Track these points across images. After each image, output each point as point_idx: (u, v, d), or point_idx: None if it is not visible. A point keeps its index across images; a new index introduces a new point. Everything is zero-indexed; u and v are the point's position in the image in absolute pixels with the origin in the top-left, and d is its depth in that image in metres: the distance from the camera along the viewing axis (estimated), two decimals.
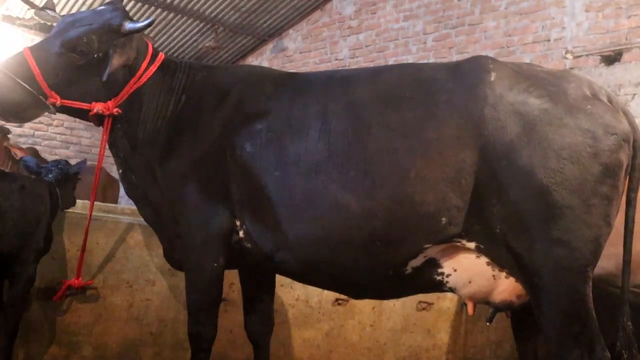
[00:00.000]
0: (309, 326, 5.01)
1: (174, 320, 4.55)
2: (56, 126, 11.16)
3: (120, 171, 3.76)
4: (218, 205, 3.44)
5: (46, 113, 3.55)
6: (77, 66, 3.47)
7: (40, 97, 3.34)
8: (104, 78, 3.40)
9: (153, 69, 3.62)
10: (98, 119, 3.59)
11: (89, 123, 3.73)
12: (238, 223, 3.45)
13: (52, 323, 4.23)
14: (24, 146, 8.25)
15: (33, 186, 3.87)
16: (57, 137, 11.25)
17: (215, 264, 3.48)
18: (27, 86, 3.29)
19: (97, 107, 3.48)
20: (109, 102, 3.51)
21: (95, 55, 3.46)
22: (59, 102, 3.43)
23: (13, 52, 3.53)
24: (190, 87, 3.64)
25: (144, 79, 3.59)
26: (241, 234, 3.47)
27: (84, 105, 3.50)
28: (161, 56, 3.71)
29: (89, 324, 4.33)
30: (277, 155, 3.29)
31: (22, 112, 3.45)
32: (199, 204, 3.46)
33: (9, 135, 7.35)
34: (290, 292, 4.89)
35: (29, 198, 3.76)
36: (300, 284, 4.79)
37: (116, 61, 3.45)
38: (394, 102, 3.20)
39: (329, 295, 4.98)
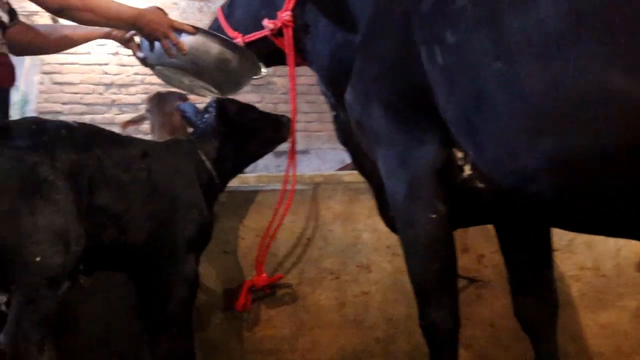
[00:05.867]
0: (607, 305, 3.84)
1: (406, 317, 3.63)
2: None
3: (334, 113, 3.28)
4: (418, 130, 2.77)
5: None
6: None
7: (248, 51, 3.10)
8: None
9: None
10: (277, 54, 3.20)
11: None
12: (460, 154, 2.68)
13: (240, 340, 3.48)
14: None
15: (169, 152, 2.98)
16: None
17: (433, 215, 2.71)
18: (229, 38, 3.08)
19: (269, 24, 3.12)
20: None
21: None
22: (241, 39, 3.19)
23: None
24: None
25: None
26: (467, 169, 2.69)
27: (261, 33, 3.19)
28: None
29: (290, 337, 3.55)
30: (495, 38, 2.51)
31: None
32: (393, 132, 2.82)
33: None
34: (569, 258, 3.75)
35: (162, 169, 2.86)
36: (584, 245, 3.81)
37: None
38: None
39: (631, 254, 3.80)
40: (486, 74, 2.50)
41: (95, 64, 7.54)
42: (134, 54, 3.23)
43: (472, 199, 2.76)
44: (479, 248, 3.58)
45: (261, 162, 6.60)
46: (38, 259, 2.29)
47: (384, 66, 2.85)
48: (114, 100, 7.62)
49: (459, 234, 3.35)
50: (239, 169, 3.19)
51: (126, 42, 3.24)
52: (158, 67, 3.02)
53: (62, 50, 3.56)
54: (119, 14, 2.82)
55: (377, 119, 2.86)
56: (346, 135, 3.22)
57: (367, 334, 3.63)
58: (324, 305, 3.58)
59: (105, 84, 7.57)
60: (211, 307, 3.38)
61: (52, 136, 2.43)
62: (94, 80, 7.54)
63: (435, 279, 2.81)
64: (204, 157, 3.00)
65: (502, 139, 2.51)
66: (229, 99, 3.08)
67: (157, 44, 2.93)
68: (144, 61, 3.14)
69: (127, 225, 2.61)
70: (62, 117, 7.33)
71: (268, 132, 3.14)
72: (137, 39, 3.11)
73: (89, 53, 7.38)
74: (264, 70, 3.23)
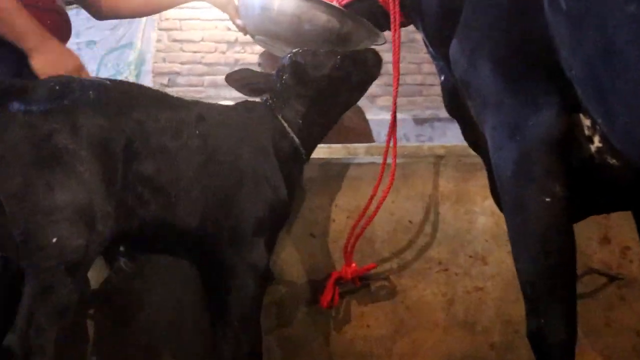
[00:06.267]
0: None
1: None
2: None
3: (442, 78, 2.90)
4: (533, 92, 2.40)
5: None
6: None
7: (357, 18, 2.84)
8: None
9: None
10: (382, 16, 2.89)
11: None
12: (587, 122, 2.32)
13: (327, 340, 3.08)
14: None
15: (236, 117, 2.56)
16: None
17: (547, 199, 2.34)
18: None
19: None
20: None
21: None
22: (337, 2, 2.97)
23: None
24: None
25: None
26: (596, 140, 2.33)
27: None
28: None
29: (386, 338, 3.14)
30: None
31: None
32: (502, 94, 2.45)
33: None
34: None
35: (224, 136, 2.45)
36: None
37: None
38: None
39: None
40: (617, 20, 2.09)
41: (218, 20, 7.14)
42: (232, 21, 3.06)
43: (602, 178, 2.35)
44: (624, 239, 3.11)
45: (400, 131, 6.24)
46: (54, 240, 1.95)
47: (497, 15, 2.45)
48: (237, 60, 7.26)
49: (598, 221, 3.01)
50: (326, 131, 2.73)
51: (224, 7, 3.11)
52: (258, 37, 2.84)
53: (152, 13, 3.53)
54: (23, 31, 2.54)
55: (485, 78, 2.46)
56: (452, 105, 2.85)
57: (480, 338, 3.18)
58: (429, 302, 3.15)
59: (228, 42, 7.21)
60: (294, 300, 3.01)
61: (76, 99, 2.07)
62: (216, 38, 7.19)
63: (546, 278, 2.35)
64: (285, 124, 2.55)
65: (634, 103, 2.06)
66: (303, 51, 2.60)
67: (254, 12, 2.76)
68: (242, 29, 2.99)
69: (175, 201, 2.22)
70: (180, 78, 7.13)
71: (354, 76, 2.66)
72: (236, 1, 2.97)
73: (211, 8, 7.13)
74: (382, 38, 2.93)
